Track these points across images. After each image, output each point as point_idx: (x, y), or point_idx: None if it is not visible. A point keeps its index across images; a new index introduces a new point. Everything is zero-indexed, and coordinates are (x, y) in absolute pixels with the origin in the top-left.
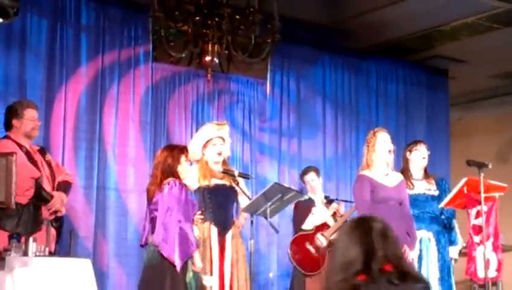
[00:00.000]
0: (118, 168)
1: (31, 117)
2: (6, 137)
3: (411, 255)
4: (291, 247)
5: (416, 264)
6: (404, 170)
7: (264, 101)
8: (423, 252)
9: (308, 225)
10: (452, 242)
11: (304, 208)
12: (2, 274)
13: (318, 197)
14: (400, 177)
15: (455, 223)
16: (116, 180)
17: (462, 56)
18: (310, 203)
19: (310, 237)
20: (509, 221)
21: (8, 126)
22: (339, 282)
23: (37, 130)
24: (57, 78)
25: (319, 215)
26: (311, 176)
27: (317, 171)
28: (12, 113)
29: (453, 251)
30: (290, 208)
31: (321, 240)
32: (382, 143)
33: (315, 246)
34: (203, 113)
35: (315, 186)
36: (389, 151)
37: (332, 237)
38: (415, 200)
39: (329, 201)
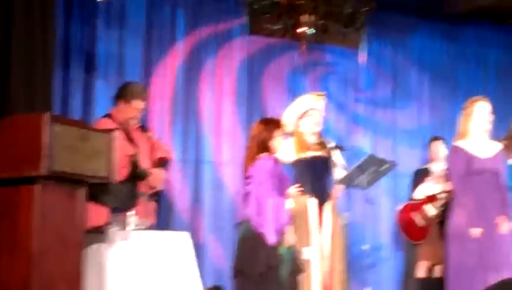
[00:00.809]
0: (214, 141)
1: (136, 108)
2: (107, 116)
3: (505, 226)
4: (399, 215)
5: None
6: (510, 139)
7: (359, 72)
8: None
9: (419, 193)
10: None
11: (418, 178)
12: (104, 247)
13: (438, 167)
14: (498, 146)
15: None
16: (211, 154)
17: None
18: (426, 172)
19: (417, 206)
20: None
21: (115, 103)
22: None
23: (137, 121)
24: (154, 54)
25: (430, 186)
26: (433, 145)
27: (442, 141)
28: (122, 94)
29: None
30: (385, 179)
31: (429, 210)
32: (481, 112)
33: (423, 215)
34: (297, 85)
35: (435, 156)
36: (487, 121)
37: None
38: None
39: None
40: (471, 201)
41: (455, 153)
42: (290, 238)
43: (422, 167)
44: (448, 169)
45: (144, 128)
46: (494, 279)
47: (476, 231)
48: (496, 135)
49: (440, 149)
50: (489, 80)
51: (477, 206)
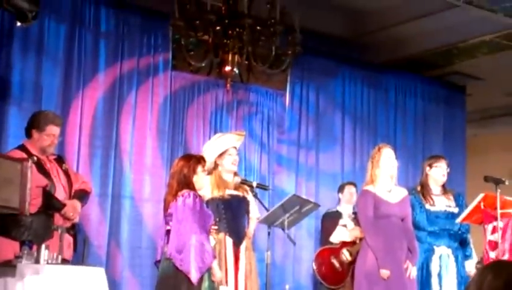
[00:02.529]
0: (134, 176)
1: (51, 134)
2: (20, 147)
3: (413, 271)
4: (316, 259)
5: (434, 280)
6: (423, 185)
7: (283, 113)
8: (442, 269)
9: (336, 237)
10: (468, 257)
11: (331, 220)
12: (13, 282)
13: (347, 209)
14: (404, 192)
15: (470, 238)
16: (131, 189)
17: (479, 73)
18: (337, 215)
19: (335, 251)
20: None
21: (28, 134)
22: None
23: (53, 147)
24: (73, 85)
25: (345, 231)
26: (346, 189)
27: (354, 185)
28: (34, 123)
29: (469, 265)
30: (307, 220)
31: (346, 255)
32: (387, 159)
33: (340, 260)
34: (221, 123)
35: (347, 200)
36: (393, 167)
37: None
38: (436, 217)
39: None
40: (380, 243)
41: (364, 196)
42: (217, 274)
43: (331, 210)
44: (358, 212)
45: (60, 159)
46: None
47: (385, 273)
48: (413, 181)
49: (353, 193)
50: (407, 128)
51: (385, 248)
